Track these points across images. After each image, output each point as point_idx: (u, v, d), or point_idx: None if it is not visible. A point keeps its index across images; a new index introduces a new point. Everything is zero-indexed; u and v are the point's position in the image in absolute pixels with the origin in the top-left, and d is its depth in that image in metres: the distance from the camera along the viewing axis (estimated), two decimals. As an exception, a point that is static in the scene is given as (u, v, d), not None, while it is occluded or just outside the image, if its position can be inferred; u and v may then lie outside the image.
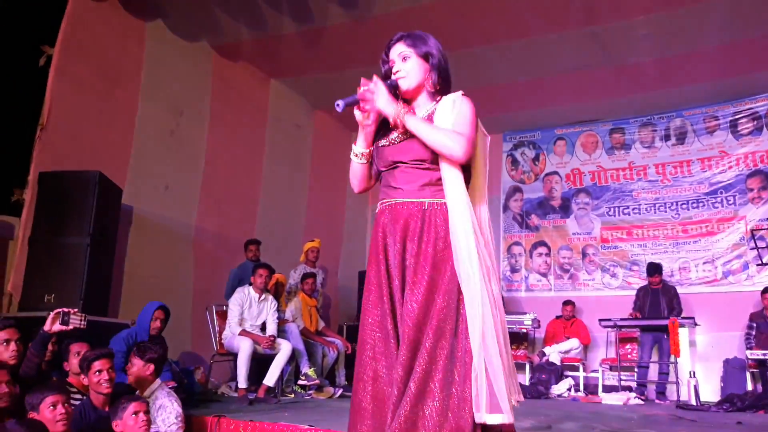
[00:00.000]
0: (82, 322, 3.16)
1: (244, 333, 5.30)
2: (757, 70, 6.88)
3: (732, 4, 5.66)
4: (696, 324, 6.74)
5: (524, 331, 7.52)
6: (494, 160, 8.71)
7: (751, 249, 6.87)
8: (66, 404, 2.79)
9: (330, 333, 6.75)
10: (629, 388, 6.71)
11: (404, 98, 2.06)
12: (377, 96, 1.97)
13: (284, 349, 5.30)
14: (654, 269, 7.12)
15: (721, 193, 7.60)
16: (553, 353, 7.18)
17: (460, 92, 2.02)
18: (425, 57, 2.04)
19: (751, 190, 7.43)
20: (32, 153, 4.83)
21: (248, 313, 5.48)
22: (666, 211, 7.88)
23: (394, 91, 2.03)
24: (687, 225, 7.73)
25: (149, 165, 5.91)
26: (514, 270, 8.67)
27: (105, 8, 5.46)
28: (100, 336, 4.09)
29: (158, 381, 3.46)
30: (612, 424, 4.14)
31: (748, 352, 6.21)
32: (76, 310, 3.17)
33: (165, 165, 6.14)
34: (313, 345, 6.14)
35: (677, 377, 6.27)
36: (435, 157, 1.96)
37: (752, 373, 6.37)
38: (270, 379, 5.19)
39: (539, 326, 7.55)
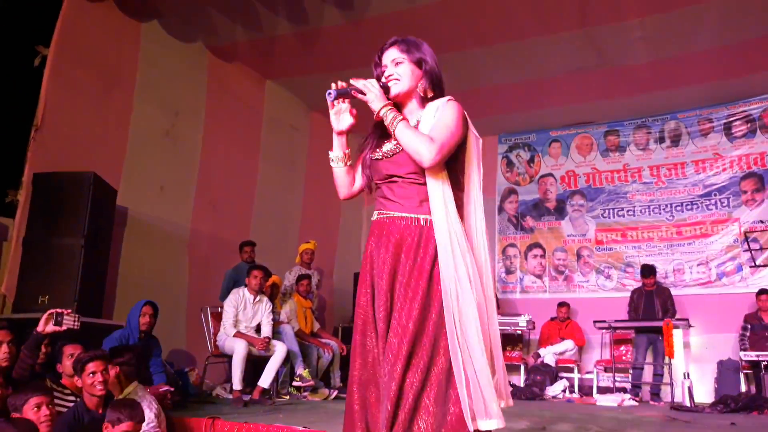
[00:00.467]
0: (76, 323, 3.14)
1: (238, 334, 5.29)
2: (751, 73, 6.92)
3: (726, 7, 5.68)
4: (690, 325, 6.76)
5: (519, 332, 7.52)
6: (489, 162, 8.73)
7: (744, 251, 6.90)
8: (50, 405, 2.75)
9: (325, 335, 6.75)
10: (624, 390, 6.72)
11: (394, 102, 2.01)
12: (370, 91, 1.95)
13: (279, 350, 5.29)
14: (648, 271, 7.15)
15: (715, 195, 7.63)
16: (548, 355, 7.19)
17: (447, 98, 1.99)
18: (418, 63, 2.01)
19: (745, 192, 7.46)
20: (26, 154, 4.81)
21: (243, 314, 5.47)
22: (660, 213, 7.91)
23: (385, 94, 2.01)
24: (681, 227, 7.76)
25: (144, 166, 5.89)
26: (509, 272, 8.68)
27: (100, 9, 5.44)
28: (94, 337, 4.08)
29: (134, 383, 3.44)
30: (606, 426, 4.14)
31: (742, 353, 6.25)
32: (69, 311, 3.15)
33: (160, 166, 6.13)
34: (308, 347, 6.14)
35: (671, 379, 6.28)
36: None
37: (746, 375, 6.40)
38: (265, 380, 5.19)
39: (534, 328, 7.56)
